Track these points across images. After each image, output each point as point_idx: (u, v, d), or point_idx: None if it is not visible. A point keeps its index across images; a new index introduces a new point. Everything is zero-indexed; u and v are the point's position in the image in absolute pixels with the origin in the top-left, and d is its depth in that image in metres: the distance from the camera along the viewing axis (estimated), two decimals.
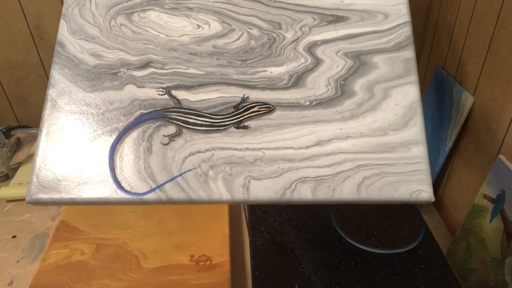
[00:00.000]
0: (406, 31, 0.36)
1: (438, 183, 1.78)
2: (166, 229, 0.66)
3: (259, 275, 0.58)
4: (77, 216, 0.69)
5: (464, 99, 1.56)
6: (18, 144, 0.98)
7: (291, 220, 0.66)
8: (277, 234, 0.64)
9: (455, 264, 1.44)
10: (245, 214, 0.73)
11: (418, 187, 0.31)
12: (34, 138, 0.98)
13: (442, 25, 1.73)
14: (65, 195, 0.34)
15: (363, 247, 0.61)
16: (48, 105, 0.36)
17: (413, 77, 0.34)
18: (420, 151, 0.31)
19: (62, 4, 1.79)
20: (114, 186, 0.34)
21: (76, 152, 0.35)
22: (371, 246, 0.61)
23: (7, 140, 0.95)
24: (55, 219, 0.75)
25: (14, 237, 0.71)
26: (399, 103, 0.33)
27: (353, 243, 0.62)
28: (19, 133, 1.01)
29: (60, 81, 0.37)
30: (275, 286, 0.57)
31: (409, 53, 0.35)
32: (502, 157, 1.30)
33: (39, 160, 0.35)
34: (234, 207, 0.75)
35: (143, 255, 0.62)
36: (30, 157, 0.89)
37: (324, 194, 0.32)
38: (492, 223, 1.27)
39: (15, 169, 0.87)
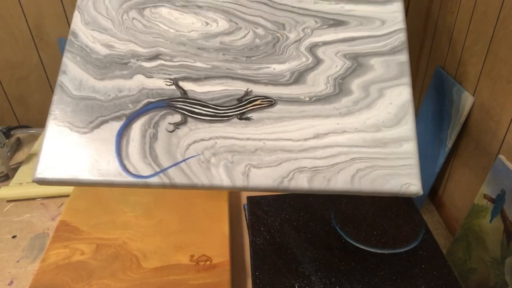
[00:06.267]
0: (401, 37, 0.38)
1: (438, 183, 1.78)
2: (166, 229, 0.66)
3: (259, 275, 0.58)
4: (77, 216, 0.69)
5: (464, 99, 1.56)
6: (18, 144, 0.97)
7: (291, 220, 0.66)
8: (277, 234, 0.64)
9: (455, 264, 1.44)
10: (245, 214, 0.73)
11: (407, 181, 0.33)
12: (34, 138, 0.98)
13: (442, 25, 1.73)
14: (71, 176, 0.35)
15: (363, 247, 0.61)
16: (58, 90, 0.38)
17: (407, 79, 0.36)
18: (410, 147, 0.34)
19: (62, 4, 1.79)
20: (120, 169, 0.35)
21: (84, 135, 0.36)
22: (371, 246, 0.61)
23: (7, 140, 0.95)
24: (55, 219, 0.75)
25: (14, 237, 0.71)
26: (392, 103, 0.35)
27: (353, 243, 0.62)
28: (19, 133, 1.01)
29: (71, 68, 0.39)
30: (275, 286, 0.57)
31: (404, 57, 0.37)
32: (502, 157, 1.30)
33: (47, 141, 0.36)
34: (234, 207, 0.75)
35: (143, 255, 0.62)
36: (30, 157, 0.89)
37: (319, 184, 0.33)
38: (492, 223, 1.27)
39: (15, 169, 0.87)
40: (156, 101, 0.37)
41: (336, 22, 0.38)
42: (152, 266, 0.60)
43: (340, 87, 0.36)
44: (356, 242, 0.62)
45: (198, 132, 0.36)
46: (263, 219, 0.67)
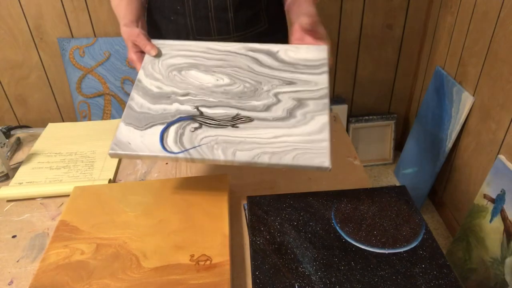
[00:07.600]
0: (325, 91, 0.69)
1: (438, 183, 1.79)
2: (166, 229, 0.66)
3: (259, 275, 0.58)
4: (77, 216, 0.69)
5: (464, 99, 1.56)
6: (18, 144, 0.97)
7: (291, 220, 0.66)
8: (277, 234, 0.64)
9: (455, 264, 1.45)
10: (245, 214, 0.73)
11: (323, 159, 0.61)
12: (34, 138, 0.98)
13: (442, 25, 1.74)
14: (133, 152, 0.63)
15: (363, 247, 0.61)
16: (128, 109, 0.68)
17: (327, 111, 0.66)
18: (325, 144, 0.62)
19: (62, 4, 1.79)
20: (161, 149, 0.63)
21: (141, 131, 0.65)
22: (371, 246, 0.61)
23: (7, 140, 0.95)
24: (55, 219, 0.75)
25: (14, 237, 0.71)
26: (318, 122, 0.65)
27: (353, 243, 0.62)
28: (19, 133, 1.01)
29: (136, 98, 0.70)
30: (275, 286, 0.57)
31: (326, 100, 0.68)
32: (502, 157, 1.30)
33: (118, 133, 0.65)
34: (234, 207, 0.75)
35: (143, 255, 0.62)
36: (30, 157, 0.90)
37: (275, 160, 0.61)
38: (492, 223, 1.27)
39: (15, 169, 0.87)
40: (185, 116, 0.67)
41: (290, 82, 0.71)
42: (152, 266, 0.60)
43: (290, 113, 0.67)
44: (356, 242, 0.62)
45: (208, 133, 0.65)
46: (263, 219, 0.67)
